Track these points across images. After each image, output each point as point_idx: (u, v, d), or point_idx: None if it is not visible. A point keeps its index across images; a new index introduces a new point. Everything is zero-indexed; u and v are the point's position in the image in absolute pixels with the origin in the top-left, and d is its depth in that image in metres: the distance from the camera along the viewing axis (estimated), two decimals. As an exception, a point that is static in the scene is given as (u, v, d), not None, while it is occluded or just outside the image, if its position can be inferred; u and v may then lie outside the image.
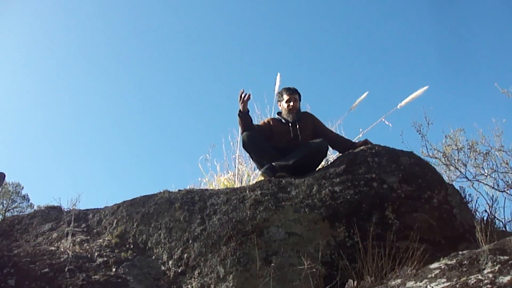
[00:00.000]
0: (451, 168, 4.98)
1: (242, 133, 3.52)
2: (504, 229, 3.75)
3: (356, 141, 3.70)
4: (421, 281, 1.83)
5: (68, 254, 2.63)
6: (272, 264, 2.41)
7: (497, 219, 3.87)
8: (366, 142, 3.51)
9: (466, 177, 4.88)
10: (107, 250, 2.78)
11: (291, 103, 3.68)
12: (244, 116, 3.47)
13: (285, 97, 3.72)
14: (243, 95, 3.41)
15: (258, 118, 4.84)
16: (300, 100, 3.79)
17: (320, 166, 3.58)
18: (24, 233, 3.27)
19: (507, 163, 4.76)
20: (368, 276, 2.28)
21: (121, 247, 2.84)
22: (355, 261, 2.47)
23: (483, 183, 4.74)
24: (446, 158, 5.03)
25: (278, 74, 4.69)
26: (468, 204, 3.54)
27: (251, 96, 3.42)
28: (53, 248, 2.76)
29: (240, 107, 3.45)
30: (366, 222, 2.66)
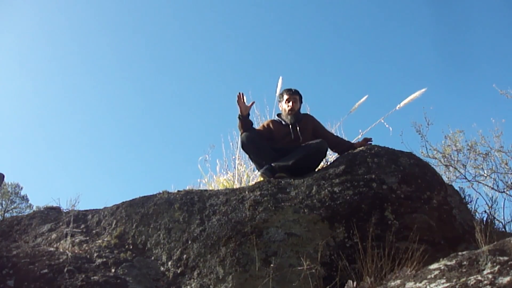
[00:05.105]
0: (451, 168, 4.99)
1: (241, 135, 3.53)
2: (503, 229, 3.75)
3: (355, 142, 3.70)
4: (420, 282, 1.82)
5: (67, 254, 2.63)
6: (272, 265, 2.41)
7: (497, 219, 3.88)
8: (366, 140, 3.52)
9: (466, 178, 4.89)
10: (106, 251, 2.78)
11: (291, 103, 3.68)
12: (244, 119, 3.50)
13: (285, 97, 3.73)
14: (240, 95, 3.51)
15: (258, 118, 4.85)
16: (301, 102, 3.79)
17: (319, 167, 3.58)
18: (23, 234, 3.27)
19: (506, 164, 4.77)
20: (367, 276, 2.27)
21: (120, 248, 2.83)
22: (354, 262, 2.46)
23: (482, 183, 4.76)
24: (445, 159, 5.03)
25: (280, 78, 4.70)
26: (468, 205, 3.55)
27: (245, 97, 3.55)
28: (52, 249, 2.76)
29: (240, 111, 3.49)
30: (365, 223, 2.66)
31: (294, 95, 3.72)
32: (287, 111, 3.68)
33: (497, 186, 4.65)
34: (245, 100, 3.55)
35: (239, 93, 3.52)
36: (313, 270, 2.36)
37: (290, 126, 3.60)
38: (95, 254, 2.73)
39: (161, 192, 3.22)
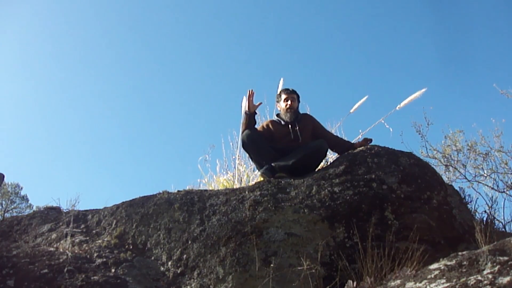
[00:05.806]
0: (451, 168, 4.99)
1: (242, 133, 3.54)
2: (503, 229, 3.75)
3: (355, 142, 3.70)
4: (420, 282, 1.82)
5: (67, 254, 2.63)
6: (272, 265, 2.41)
7: (497, 219, 3.88)
8: (366, 140, 3.52)
9: (466, 178, 4.89)
10: (106, 251, 2.78)
11: (289, 102, 3.69)
12: (250, 117, 3.53)
13: (283, 96, 3.75)
14: (250, 93, 3.60)
15: (257, 118, 4.85)
16: (299, 101, 3.79)
17: (319, 167, 3.58)
18: (23, 234, 3.27)
19: (506, 164, 4.77)
20: (367, 277, 2.27)
21: (120, 248, 2.84)
22: (354, 262, 2.46)
23: (482, 183, 4.76)
24: (445, 159, 5.03)
25: (281, 79, 4.71)
26: (468, 205, 3.54)
27: (255, 95, 3.62)
28: (52, 249, 2.76)
29: (248, 108, 3.55)
30: (365, 223, 2.66)
31: (292, 94, 3.74)
32: (285, 109, 3.69)
33: (497, 186, 4.66)
34: (253, 99, 3.60)
35: (251, 90, 3.61)
36: (313, 270, 2.36)
37: (290, 125, 3.61)
38: (95, 254, 2.73)
39: (161, 192, 3.22)
